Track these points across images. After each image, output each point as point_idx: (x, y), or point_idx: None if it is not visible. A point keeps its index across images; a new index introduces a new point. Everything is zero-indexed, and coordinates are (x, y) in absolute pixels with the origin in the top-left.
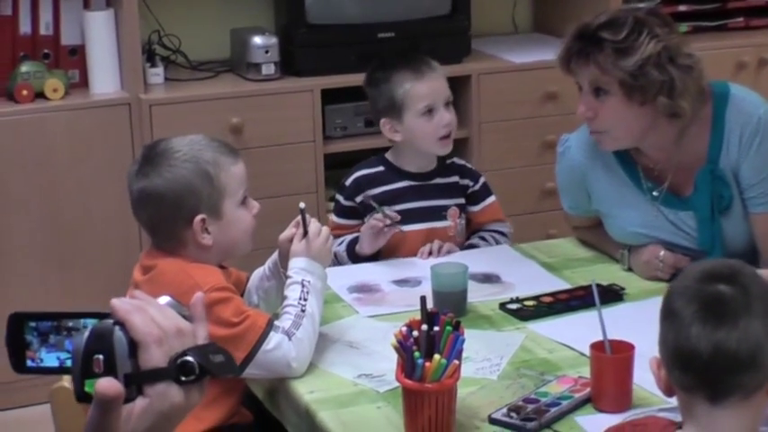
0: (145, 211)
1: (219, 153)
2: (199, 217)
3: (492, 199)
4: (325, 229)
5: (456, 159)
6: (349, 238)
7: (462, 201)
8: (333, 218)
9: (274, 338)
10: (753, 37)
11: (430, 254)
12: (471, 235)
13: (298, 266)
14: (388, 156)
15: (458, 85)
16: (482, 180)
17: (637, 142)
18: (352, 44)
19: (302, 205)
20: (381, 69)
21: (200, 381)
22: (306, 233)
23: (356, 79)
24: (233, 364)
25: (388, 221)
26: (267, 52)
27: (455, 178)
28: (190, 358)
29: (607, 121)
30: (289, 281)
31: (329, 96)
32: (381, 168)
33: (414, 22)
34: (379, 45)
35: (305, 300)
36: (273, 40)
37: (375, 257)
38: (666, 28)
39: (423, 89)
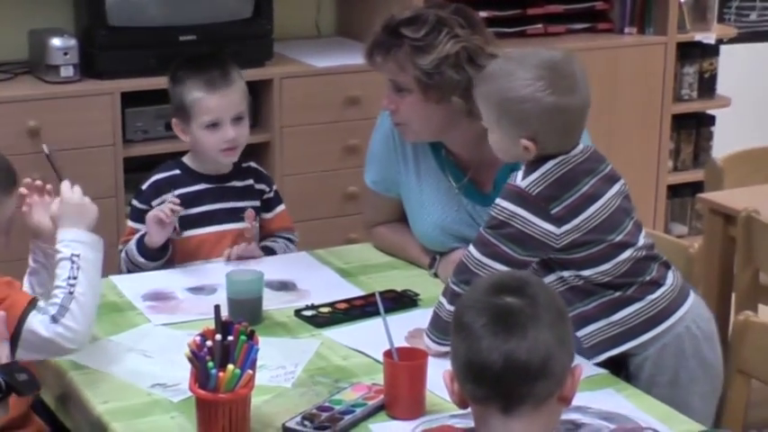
0: None
1: None
2: None
3: (282, 207)
4: (77, 188)
5: (252, 163)
6: (138, 235)
7: (258, 203)
8: (129, 223)
9: (37, 319)
10: (551, 43)
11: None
12: (262, 240)
13: (66, 238)
14: (185, 159)
15: (260, 89)
16: (274, 187)
17: (436, 137)
18: (153, 47)
19: (46, 149)
20: (182, 69)
21: (5, 399)
22: (59, 178)
23: (157, 82)
24: (36, 381)
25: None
26: (66, 54)
27: (250, 181)
28: None
29: (406, 115)
30: (58, 256)
31: (130, 99)
32: (177, 172)
33: (216, 26)
34: (181, 48)
35: (74, 278)
36: (73, 42)
37: (164, 251)
38: (469, 29)
39: (210, 103)
